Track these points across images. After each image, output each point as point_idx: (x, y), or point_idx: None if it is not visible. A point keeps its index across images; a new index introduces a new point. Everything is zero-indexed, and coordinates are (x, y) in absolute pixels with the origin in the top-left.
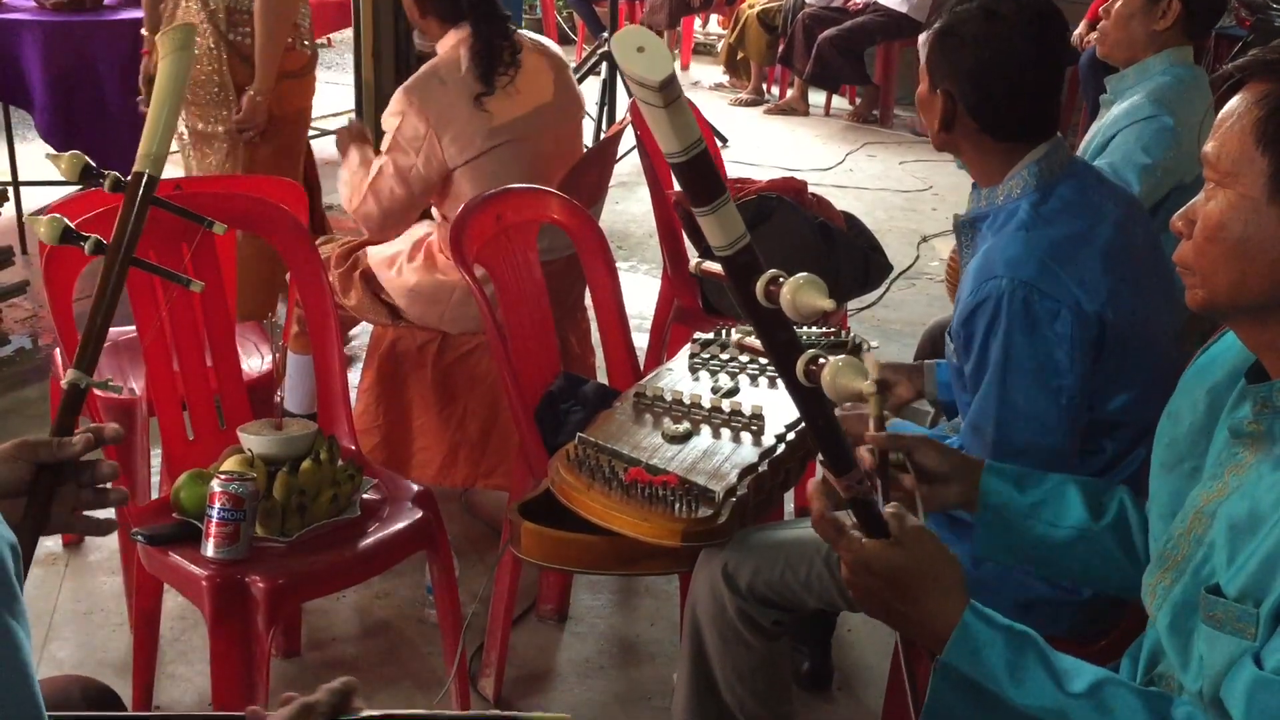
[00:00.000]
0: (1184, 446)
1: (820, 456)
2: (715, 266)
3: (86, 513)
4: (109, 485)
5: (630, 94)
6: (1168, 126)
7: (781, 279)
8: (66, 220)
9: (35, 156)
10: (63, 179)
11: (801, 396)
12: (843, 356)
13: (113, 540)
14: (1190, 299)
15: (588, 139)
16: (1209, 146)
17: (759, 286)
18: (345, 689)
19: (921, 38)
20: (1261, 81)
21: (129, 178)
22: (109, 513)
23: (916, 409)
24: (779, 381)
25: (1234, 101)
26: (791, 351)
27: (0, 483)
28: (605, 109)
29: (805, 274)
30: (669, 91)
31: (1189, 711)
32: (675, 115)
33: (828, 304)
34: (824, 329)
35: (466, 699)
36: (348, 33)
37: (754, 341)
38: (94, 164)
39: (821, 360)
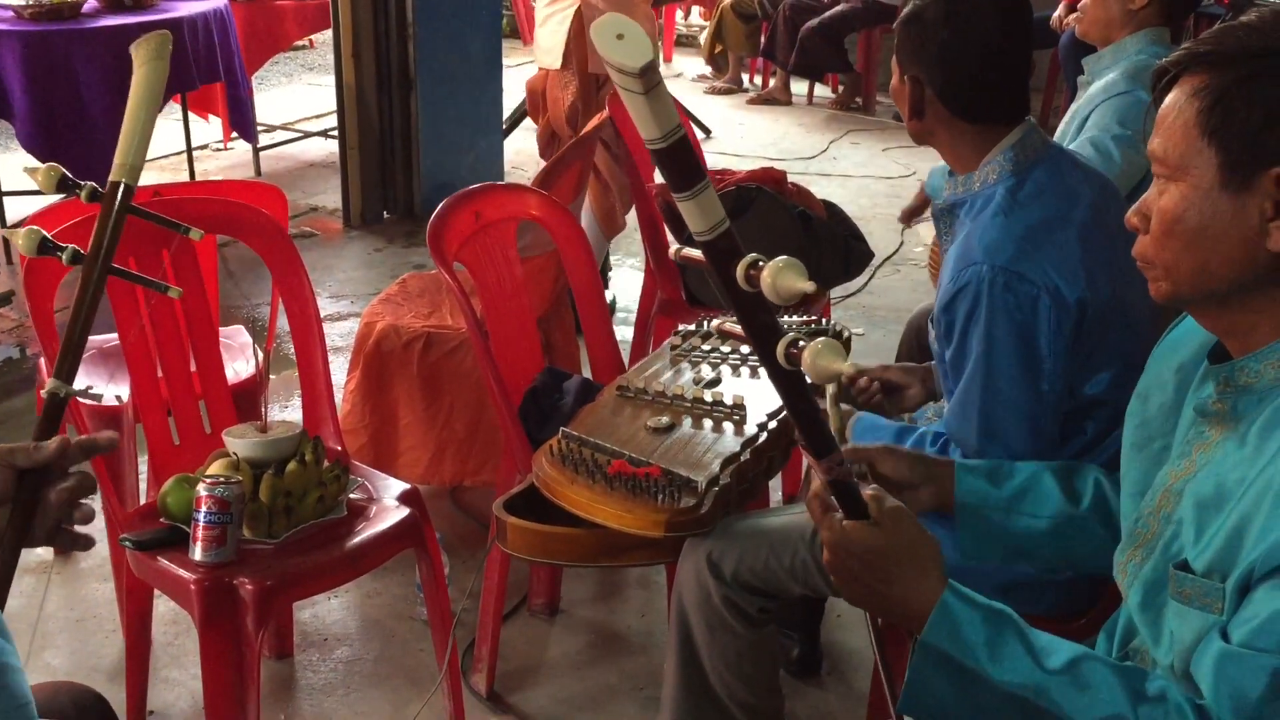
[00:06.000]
0: (1153, 426)
1: (800, 439)
2: (695, 252)
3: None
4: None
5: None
6: (1143, 100)
7: (761, 262)
8: (44, 232)
9: (17, 167)
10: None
11: (781, 380)
12: (822, 339)
13: (103, 547)
14: (1154, 292)
15: None
16: (1154, 142)
17: (740, 270)
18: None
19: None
20: (1196, 74)
21: (106, 188)
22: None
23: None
24: (760, 371)
25: (1172, 96)
26: (772, 335)
27: None
28: None
29: (785, 257)
30: (648, 78)
31: (1163, 685)
32: (655, 102)
33: (808, 286)
34: (805, 317)
35: (459, 695)
36: (329, 34)
37: (734, 327)
38: (71, 175)
39: (801, 343)
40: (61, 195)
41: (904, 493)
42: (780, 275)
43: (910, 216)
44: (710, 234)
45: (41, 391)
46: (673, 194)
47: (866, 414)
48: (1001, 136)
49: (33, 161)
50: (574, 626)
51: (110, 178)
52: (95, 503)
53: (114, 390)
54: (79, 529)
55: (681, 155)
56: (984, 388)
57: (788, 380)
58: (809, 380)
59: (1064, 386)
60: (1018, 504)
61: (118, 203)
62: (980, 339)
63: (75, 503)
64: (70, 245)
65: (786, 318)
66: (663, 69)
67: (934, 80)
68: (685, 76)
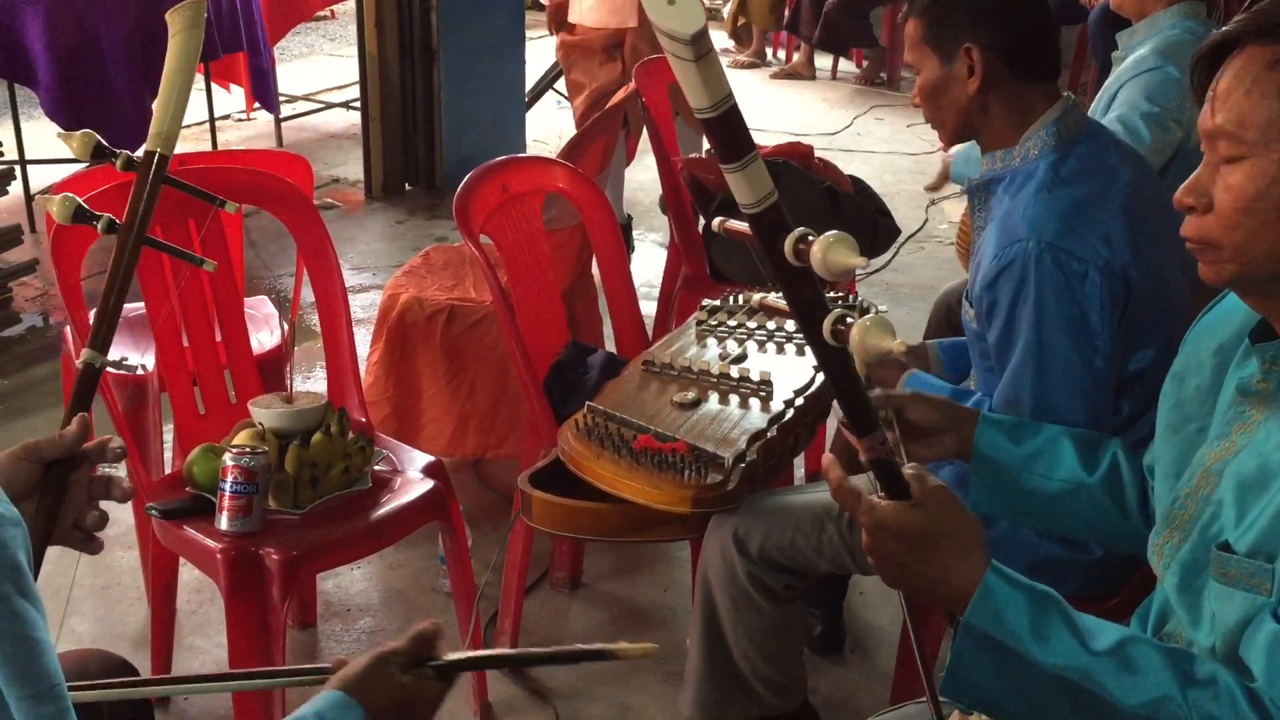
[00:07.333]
0: (1190, 407)
1: (842, 417)
2: (740, 225)
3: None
4: (112, 474)
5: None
6: (1173, 77)
7: (811, 236)
8: (79, 200)
9: (41, 134)
10: (69, 157)
11: (826, 356)
12: (871, 315)
13: (129, 515)
14: (1214, 274)
15: None
16: (1222, 118)
17: (788, 244)
18: (426, 635)
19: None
20: (1266, 44)
21: (140, 156)
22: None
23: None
24: (787, 347)
25: (1239, 69)
26: (818, 311)
27: (13, 483)
28: None
29: (836, 231)
30: (700, 45)
31: (1213, 668)
32: (706, 70)
33: (859, 261)
34: (832, 293)
35: None
36: (351, 4)
37: (775, 301)
38: (106, 143)
39: (849, 320)
40: (95, 163)
41: (929, 438)
42: (831, 250)
43: (936, 189)
44: (758, 206)
45: (76, 363)
46: (721, 165)
47: (919, 373)
48: (1051, 102)
49: (61, 130)
50: (596, 600)
51: (145, 147)
52: (114, 512)
53: (138, 359)
54: (95, 530)
55: (732, 125)
56: (1036, 368)
57: (832, 357)
58: (855, 358)
59: (1115, 364)
60: (1031, 463)
61: (153, 173)
62: (1029, 318)
63: (93, 501)
64: (105, 214)
65: None
66: None
67: (997, 39)
68: None
